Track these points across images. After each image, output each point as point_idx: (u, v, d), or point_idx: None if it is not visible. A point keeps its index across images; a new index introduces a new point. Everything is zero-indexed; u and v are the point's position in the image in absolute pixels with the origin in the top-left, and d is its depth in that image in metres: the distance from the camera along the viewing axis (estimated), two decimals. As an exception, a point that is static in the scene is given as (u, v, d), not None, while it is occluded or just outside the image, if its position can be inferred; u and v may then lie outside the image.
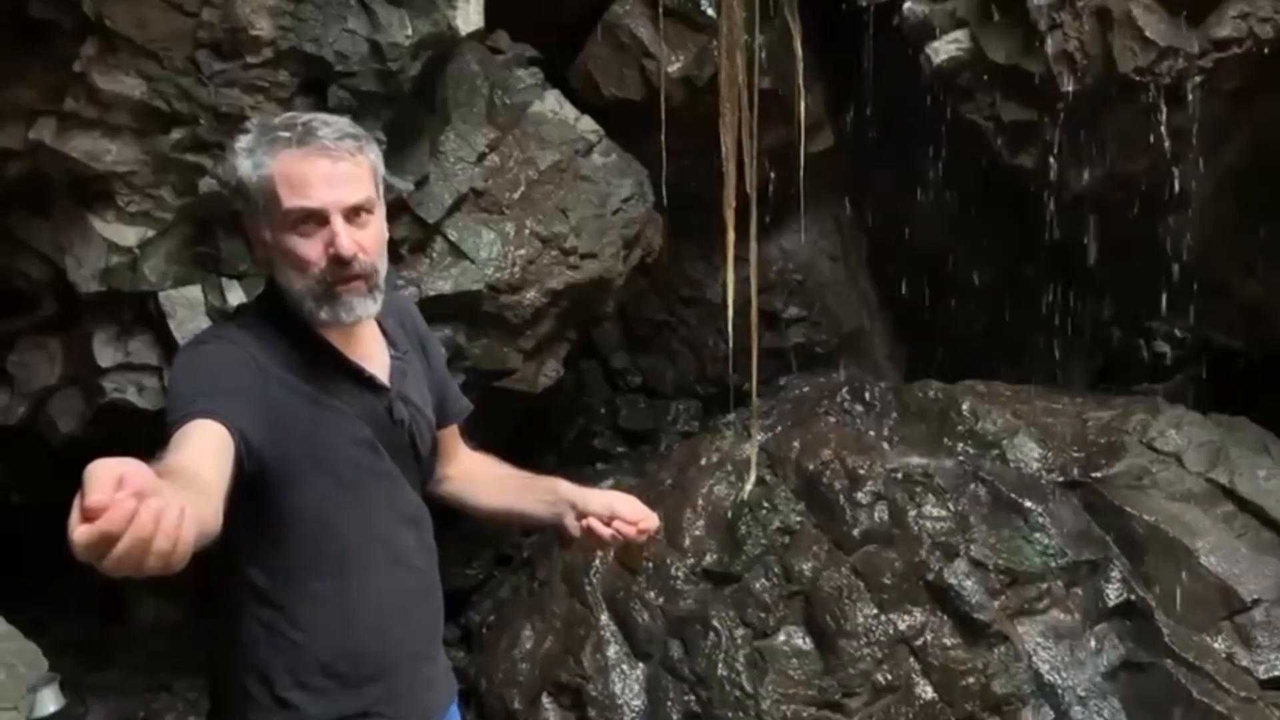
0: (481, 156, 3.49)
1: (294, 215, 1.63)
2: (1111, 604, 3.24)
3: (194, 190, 3.00)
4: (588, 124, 3.72)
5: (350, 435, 1.73)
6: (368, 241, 1.66)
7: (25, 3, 2.74)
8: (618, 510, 1.84)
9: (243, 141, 1.66)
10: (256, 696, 1.70)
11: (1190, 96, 3.26)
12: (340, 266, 1.64)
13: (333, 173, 1.63)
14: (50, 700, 3.44)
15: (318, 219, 1.63)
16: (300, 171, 1.62)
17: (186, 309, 3.09)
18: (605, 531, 1.83)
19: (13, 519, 3.62)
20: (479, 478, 2.03)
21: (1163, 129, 3.34)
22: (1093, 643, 3.22)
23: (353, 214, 1.65)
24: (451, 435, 2.04)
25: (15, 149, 2.89)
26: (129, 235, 3.01)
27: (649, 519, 1.85)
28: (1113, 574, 3.27)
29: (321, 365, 1.70)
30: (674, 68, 3.94)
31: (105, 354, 3.13)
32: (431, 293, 3.39)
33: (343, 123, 1.70)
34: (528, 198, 3.55)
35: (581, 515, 1.85)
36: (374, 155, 1.71)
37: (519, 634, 3.61)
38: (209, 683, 1.83)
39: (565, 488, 1.91)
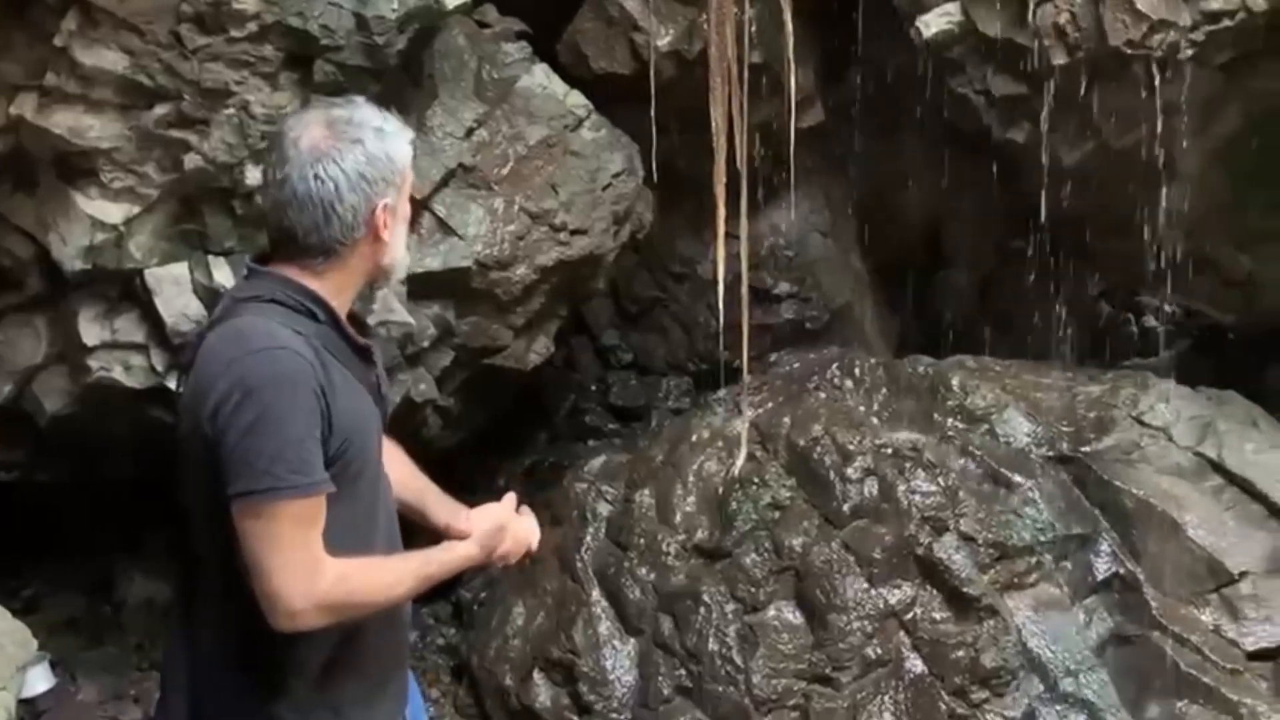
0: (469, 131, 3.46)
1: (409, 196, 1.75)
2: (1100, 577, 3.26)
3: (179, 167, 2.98)
4: (577, 99, 3.70)
5: (372, 413, 1.75)
6: None
7: (5, -25, 2.71)
8: (461, 529, 1.85)
9: (387, 122, 1.70)
10: (293, 690, 1.66)
11: (1182, 70, 3.25)
12: None
13: None
14: (41, 679, 3.45)
15: None
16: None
17: (173, 287, 3.08)
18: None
19: (2, 498, 3.62)
20: (395, 459, 1.95)
21: (1154, 103, 3.33)
22: (1081, 616, 3.24)
23: None
24: None
25: (-3, 124, 2.87)
26: (114, 212, 2.99)
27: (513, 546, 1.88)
28: (1101, 548, 3.29)
29: (347, 347, 1.72)
30: (663, 41, 3.91)
31: (91, 332, 3.11)
32: (420, 270, 3.37)
33: None
34: (517, 173, 3.53)
35: (451, 531, 1.86)
36: None
37: (510, 610, 3.62)
38: (204, 679, 1.71)
39: (449, 505, 1.93)
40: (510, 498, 1.91)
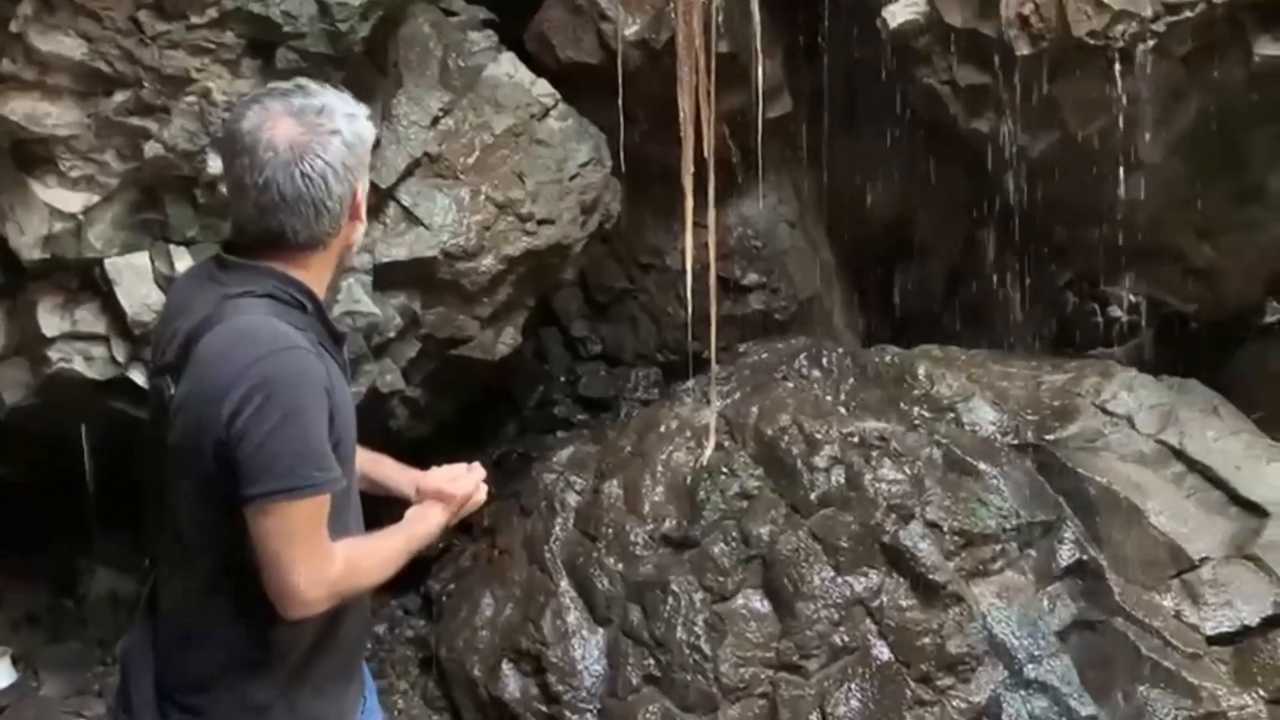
0: (435, 120, 3.44)
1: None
2: (1064, 564, 3.29)
3: (139, 155, 2.95)
4: (543, 88, 3.68)
5: (351, 400, 1.77)
6: None
7: (-43, -40, 2.66)
8: (444, 490, 1.89)
9: (350, 105, 1.68)
10: (276, 672, 1.67)
11: (1144, 61, 3.28)
12: None
13: None
14: (2, 675, 3.41)
15: None
16: None
17: (134, 276, 3.04)
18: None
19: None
20: None
21: (1117, 93, 3.36)
22: (1045, 602, 3.27)
23: None
24: None
25: (-49, 111, 2.82)
26: (73, 201, 2.95)
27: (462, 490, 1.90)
28: (1065, 535, 3.32)
29: (329, 335, 1.73)
30: (631, 30, 3.90)
31: (50, 323, 3.07)
32: (385, 259, 3.35)
33: None
34: (483, 162, 3.51)
35: (420, 494, 1.90)
36: None
37: (479, 602, 3.60)
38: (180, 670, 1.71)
39: (407, 472, 1.96)
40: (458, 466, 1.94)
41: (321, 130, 1.62)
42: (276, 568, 1.57)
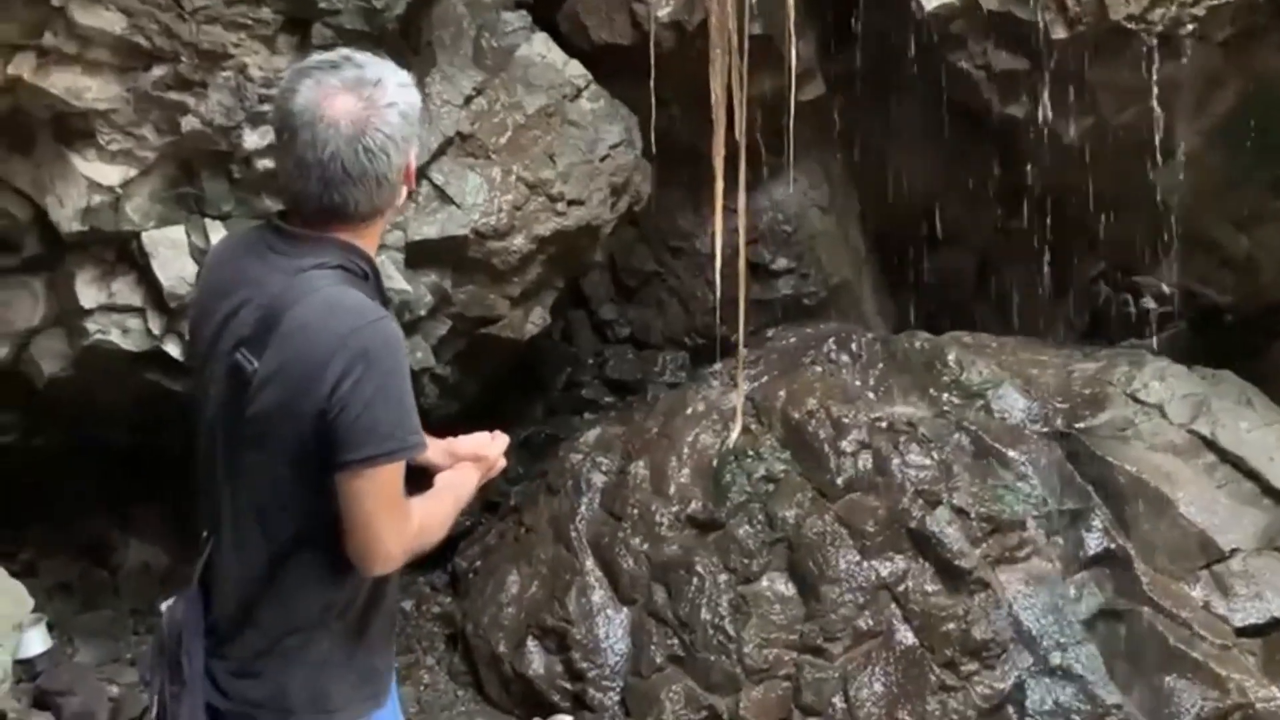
0: (468, 100, 3.45)
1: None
2: (1092, 553, 3.27)
3: (176, 129, 2.98)
4: (576, 69, 3.69)
5: None
6: None
7: (3, -66, 2.70)
8: (479, 451, 1.93)
9: (400, 74, 1.69)
10: (335, 630, 1.71)
11: (1182, 46, 3.24)
12: None
13: None
14: (38, 641, 3.47)
15: None
16: None
17: (170, 250, 3.08)
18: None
19: (1, 461, 3.63)
20: None
21: (1154, 79, 3.32)
22: (1072, 590, 3.25)
23: None
24: None
25: (-5, 84, 2.86)
26: (111, 174, 2.99)
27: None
28: (1094, 523, 3.30)
29: (382, 299, 1.76)
30: (663, 12, 3.90)
31: (88, 295, 3.11)
32: (417, 237, 3.37)
33: None
34: (515, 142, 3.52)
35: (453, 458, 1.93)
36: None
37: (505, 579, 3.63)
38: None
39: (437, 443, 1.97)
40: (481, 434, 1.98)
41: (379, 103, 1.63)
42: (368, 528, 1.63)
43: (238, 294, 1.69)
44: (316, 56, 1.69)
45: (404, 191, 1.74)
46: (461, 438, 1.94)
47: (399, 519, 1.66)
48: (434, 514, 1.77)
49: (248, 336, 1.65)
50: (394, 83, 1.66)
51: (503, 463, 1.95)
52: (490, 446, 1.92)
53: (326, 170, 1.62)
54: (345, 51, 1.70)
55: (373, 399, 1.59)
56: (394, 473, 1.63)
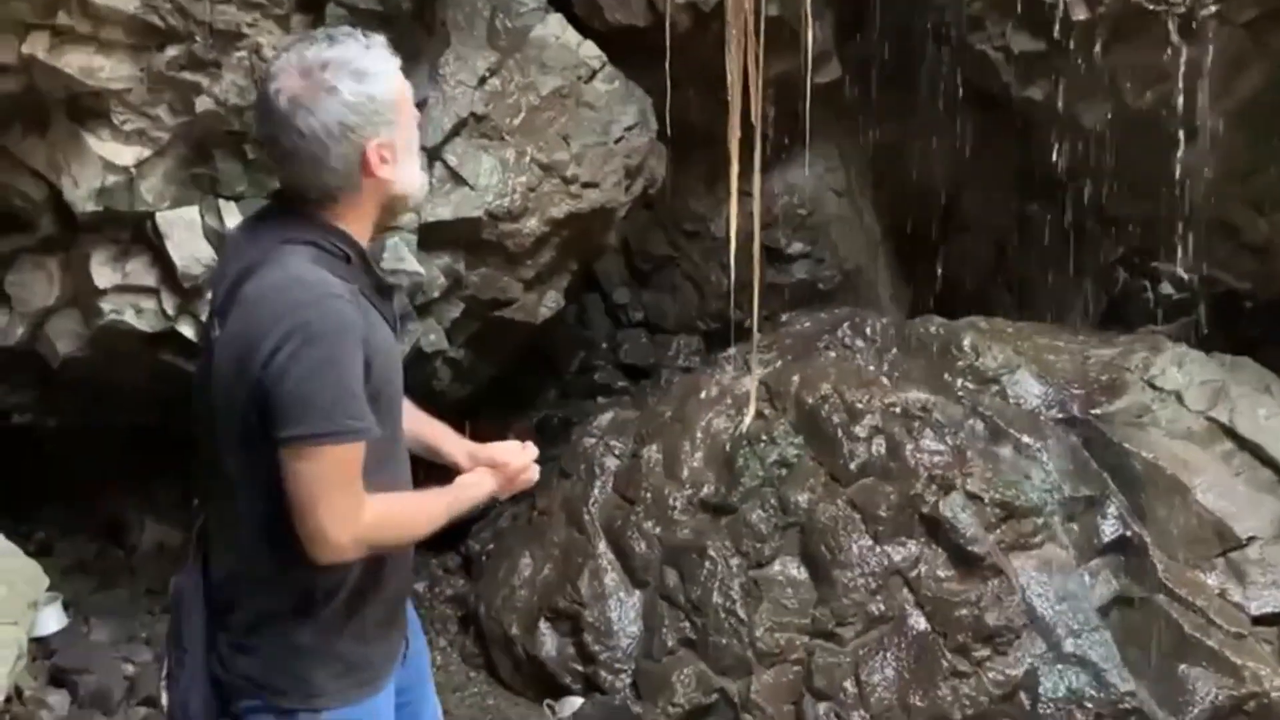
0: (482, 80, 3.44)
1: (413, 123, 1.73)
2: (1107, 540, 3.25)
3: (191, 109, 2.98)
4: (590, 50, 3.67)
5: (397, 350, 1.77)
6: None
7: (17, -88, 2.69)
8: (498, 459, 1.90)
9: (368, 61, 1.64)
10: (321, 615, 1.70)
11: (1204, 27, 3.20)
12: None
13: None
14: (53, 619, 3.50)
15: None
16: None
17: (184, 230, 3.08)
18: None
19: (16, 441, 3.65)
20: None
21: (1175, 61, 3.28)
22: (1087, 578, 3.23)
23: None
24: None
25: (9, 64, 2.86)
26: (125, 154, 2.99)
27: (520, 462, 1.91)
28: (1109, 510, 3.28)
29: (372, 284, 1.73)
30: (679, -7, 3.87)
31: (103, 275, 3.12)
32: (431, 219, 3.37)
33: None
34: (529, 124, 3.51)
35: (473, 461, 1.91)
36: None
37: (518, 561, 3.64)
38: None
39: (463, 443, 1.96)
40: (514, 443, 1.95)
41: (320, 86, 1.60)
42: (303, 511, 1.60)
43: (226, 266, 1.74)
44: (317, 31, 1.70)
45: (370, 183, 1.67)
46: (490, 444, 1.91)
47: (347, 507, 1.61)
48: (409, 511, 1.74)
49: (219, 306, 1.69)
50: (348, 69, 1.62)
51: (533, 476, 1.90)
52: (517, 455, 1.88)
53: (274, 148, 1.65)
54: (333, 31, 1.68)
55: (308, 376, 1.56)
56: (334, 456, 1.59)
